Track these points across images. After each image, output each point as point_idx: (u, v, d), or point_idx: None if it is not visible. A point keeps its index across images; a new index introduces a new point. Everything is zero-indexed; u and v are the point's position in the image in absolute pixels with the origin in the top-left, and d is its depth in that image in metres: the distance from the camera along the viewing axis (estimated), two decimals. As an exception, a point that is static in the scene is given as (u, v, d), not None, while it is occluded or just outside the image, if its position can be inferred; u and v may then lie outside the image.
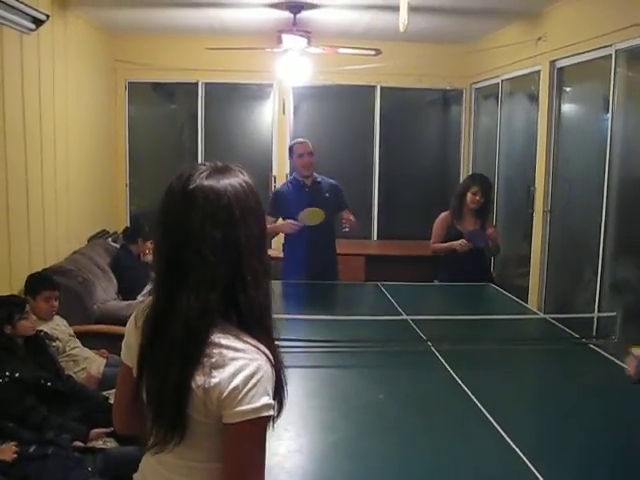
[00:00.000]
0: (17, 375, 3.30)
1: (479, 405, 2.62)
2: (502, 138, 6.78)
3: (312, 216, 4.81)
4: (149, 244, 5.88)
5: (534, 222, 5.83)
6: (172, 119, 7.90)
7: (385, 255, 6.85)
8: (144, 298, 5.20)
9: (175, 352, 1.34)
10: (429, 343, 3.44)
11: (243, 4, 5.53)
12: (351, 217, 5.03)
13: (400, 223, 7.79)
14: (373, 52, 5.75)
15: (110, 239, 6.57)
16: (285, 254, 5.24)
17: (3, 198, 4.36)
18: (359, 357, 3.29)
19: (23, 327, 3.48)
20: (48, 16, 4.69)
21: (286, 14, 5.59)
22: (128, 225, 7.30)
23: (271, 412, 1.34)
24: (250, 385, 1.31)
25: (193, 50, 7.11)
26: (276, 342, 1.44)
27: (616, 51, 4.62)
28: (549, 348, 3.62)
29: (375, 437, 2.42)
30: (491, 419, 2.49)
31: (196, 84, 7.37)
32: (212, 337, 1.34)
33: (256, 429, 1.32)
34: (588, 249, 5.04)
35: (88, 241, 6.13)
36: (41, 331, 3.75)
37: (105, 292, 5.16)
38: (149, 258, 5.84)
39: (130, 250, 5.94)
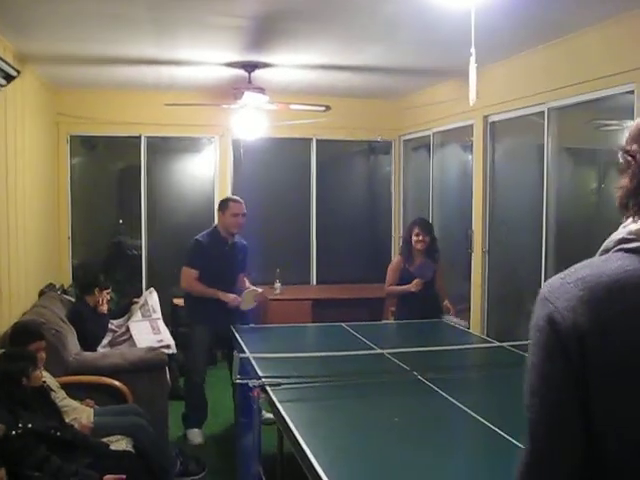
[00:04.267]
0: (30, 426, 3.36)
1: (483, 420, 2.89)
2: (435, 186, 7.30)
3: (249, 300, 5.23)
4: (105, 294, 5.92)
5: (473, 262, 6.33)
6: (114, 172, 7.98)
7: (331, 298, 7.14)
8: (107, 350, 5.28)
9: None
10: (415, 372, 3.76)
11: (200, 62, 5.81)
12: (252, 288, 5.34)
13: (337, 268, 8.14)
14: (323, 108, 6.14)
15: (59, 292, 6.54)
16: (190, 310, 5.43)
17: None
18: (356, 389, 3.51)
19: (36, 378, 3.54)
20: (19, 72, 4.81)
21: (241, 72, 5.92)
22: (72, 278, 7.29)
23: None
24: None
25: (135, 104, 7.31)
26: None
27: (548, 109, 5.21)
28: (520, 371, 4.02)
29: (404, 452, 2.66)
30: (502, 433, 2.74)
31: (138, 138, 7.52)
32: None
33: None
34: (528, 284, 5.55)
35: (39, 295, 6.11)
36: (44, 381, 3.80)
37: (73, 344, 5.19)
38: (105, 309, 5.89)
39: (87, 302, 5.95)
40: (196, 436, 5.21)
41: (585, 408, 1.08)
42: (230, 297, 5.15)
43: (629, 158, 1.16)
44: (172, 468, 4.13)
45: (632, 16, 4.25)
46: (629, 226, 1.16)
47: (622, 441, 1.07)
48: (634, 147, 1.15)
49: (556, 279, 1.16)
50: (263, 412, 3.78)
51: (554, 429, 1.10)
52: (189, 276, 5.20)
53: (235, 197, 5.51)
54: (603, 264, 1.13)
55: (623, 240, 1.14)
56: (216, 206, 7.71)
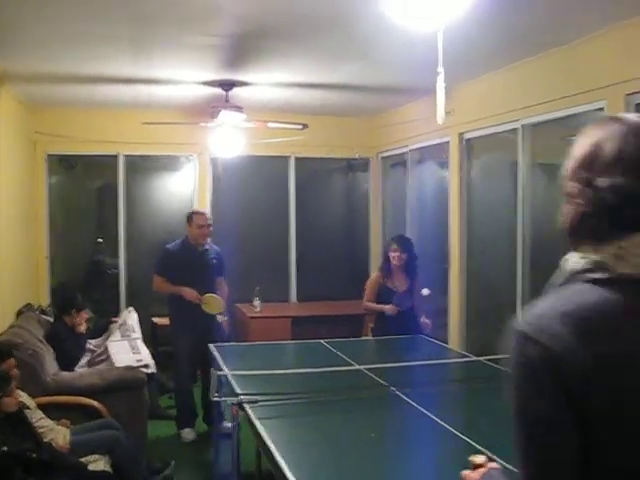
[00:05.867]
0: (5, 449, 3.33)
1: (460, 435, 2.92)
2: (412, 202, 7.35)
3: (213, 305, 5.53)
4: (83, 314, 5.89)
5: (451, 278, 6.37)
6: (92, 191, 7.96)
7: (311, 315, 7.14)
8: (85, 370, 5.28)
9: None
10: (392, 388, 3.78)
11: (177, 81, 5.84)
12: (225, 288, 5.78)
13: (316, 285, 8.15)
14: (300, 126, 6.18)
15: (37, 312, 6.49)
16: (172, 317, 5.75)
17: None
18: (334, 405, 3.51)
19: (7, 404, 3.51)
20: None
21: (218, 91, 5.95)
22: (50, 298, 7.23)
23: None
24: None
25: (113, 123, 7.31)
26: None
27: (522, 125, 5.29)
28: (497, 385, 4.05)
29: (381, 468, 2.67)
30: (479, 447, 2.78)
31: (116, 156, 7.51)
32: None
33: None
34: (505, 298, 5.60)
35: (17, 315, 6.07)
36: (21, 401, 3.77)
37: (51, 364, 5.15)
38: (83, 329, 5.86)
39: (65, 322, 5.91)
40: (188, 434, 5.55)
41: (585, 452, 1.06)
42: (189, 292, 5.44)
43: (580, 185, 1.16)
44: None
45: (602, 34, 4.35)
46: (590, 256, 1.14)
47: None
48: (586, 175, 1.15)
49: (533, 315, 1.13)
50: (224, 422, 3.80)
51: (557, 473, 1.08)
52: (158, 282, 5.64)
53: (199, 209, 6.07)
54: (578, 296, 1.11)
55: (589, 270, 1.12)
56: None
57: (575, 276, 1.14)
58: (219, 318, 5.68)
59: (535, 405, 1.08)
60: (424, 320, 5.36)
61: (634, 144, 1.13)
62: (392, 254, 5.41)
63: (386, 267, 5.49)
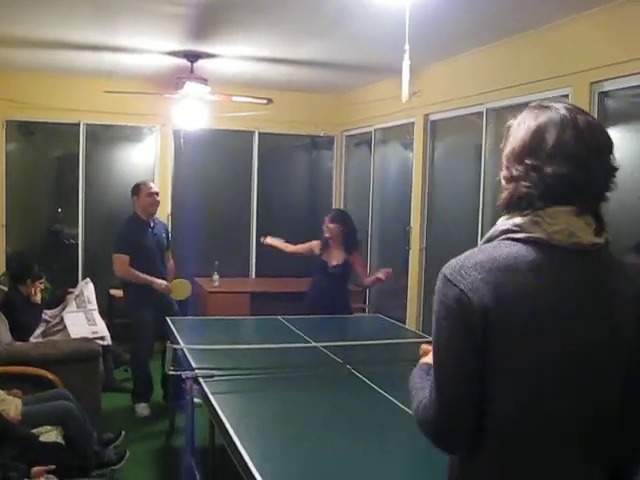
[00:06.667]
0: (-48, 418, 3.27)
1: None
2: (375, 182, 7.37)
3: (182, 290, 5.58)
4: (38, 284, 5.80)
5: (410, 258, 6.42)
6: (52, 159, 7.80)
7: (270, 292, 7.14)
8: (39, 340, 5.22)
9: None
10: (348, 366, 3.80)
11: (142, 50, 5.73)
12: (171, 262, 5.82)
13: (276, 262, 8.12)
14: (265, 101, 6.13)
15: (-9, 281, 6.37)
16: (131, 289, 5.58)
17: None
18: (289, 381, 3.53)
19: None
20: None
21: (183, 62, 5.87)
22: (5, 266, 7.09)
23: None
24: None
25: (75, 90, 7.16)
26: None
27: (487, 109, 5.32)
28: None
29: (335, 445, 2.72)
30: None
31: (78, 125, 7.37)
32: None
33: None
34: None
35: (-29, 284, 5.95)
36: (-29, 371, 3.71)
37: (4, 334, 5.07)
38: (38, 299, 5.77)
39: (20, 291, 5.82)
40: (143, 409, 5.48)
41: (483, 373, 1.35)
42: (162, 284, 5.41)
43: (525, 170, 1.37)
44: (92, 457, 4.07)
45: (569, 21, 4.39)
46: (514, 219, 1.38)
47: (511, 401, 1.34)
48: (531, 161, 1.36)
49: (455, 262, 1.38)
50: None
51: (460, 385, 1.36)
52: (121, 262, 5.42)
53: (144, 180, 5.90)
54: (494, 250, 1.37)
55: (509, 230, 1.37)
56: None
57: (498, 235, 1.39)
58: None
59: (447, 334, 1.36)
60: (377, 276, 5.38)
61: (570, 135, 1.34)
62: (324, 226, 5.43)
63: (324, 241, 5.51)
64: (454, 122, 6.01)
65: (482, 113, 5.35)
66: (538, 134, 1.37)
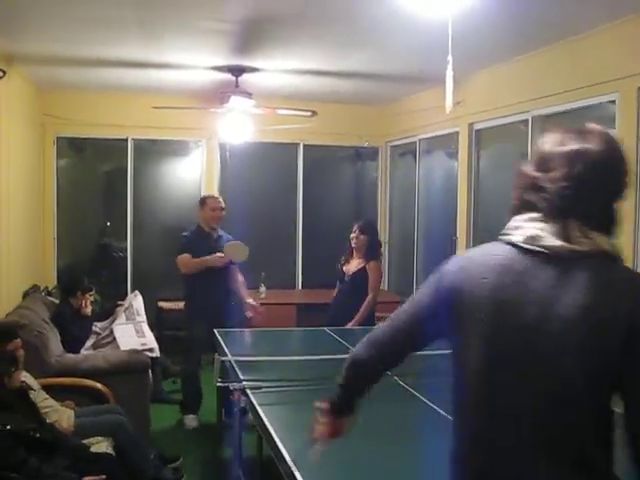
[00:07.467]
0: (8, 427, 3.34)
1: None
2: (420, 192, 7.33)
3: (238, 251, 5.38)
4: (88, 296, 5.92)
5: (457, 268, 6.34)
6: (101, 174, 7.98)
7: (316, 303, 7.13)
8: (89, 352, 5.28)
9: None
10: (395, 377, 3.77)
11: (187, 66, 5.82)
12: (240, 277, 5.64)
13: (322, 273, 8.12)
14: (309, 113, 6.16)
15: (43, 293, 6.52)
16: (188, 301, 5.59)
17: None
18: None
19: (17, 379, 3.53)
20: (5, 72, 4.81)
21: (228, 76, 5.94)
22: (56, 279, 7.27)
23: None
24: None
25: (123, 107, 7.31)
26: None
27: (532, 117, 5.25)
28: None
29: (383, 457, 2.70)
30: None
31: (126, 140, 7.52)
32: None
33: None
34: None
35: (23, 297, 6.09)
36: (23, 381, 3.79)
37: (56, 346, 5.18)
38: (88, 311, 5.89)
39: (71, 304, 5.93)
40: (191, 421, 5.47)
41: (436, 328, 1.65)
42: (213, 259, 5.32)
43: (535, 182, 1.49)
44: (149, 471, 4.11)
45: (617, 26, 4.31)
46: (508, 224, 1.55)
47: (467, 369, 1.54)
48: (540, 174, 1.49)
49: (457, 258, 1.65)
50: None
51: (414, 316, 1.70)
52: (184, 260, 5.39)
53: (213, 194, 5.96)
54: (485, 247, 1.59)
55: (502, 232, 1.55)
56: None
57: (498, 237, 1.57)
58: (248, 310, 5.57)
59: (419, 292, 1.71)
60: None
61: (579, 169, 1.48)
62: (351, 235, 5.42)
63: (347, 250, 5.50)
64: (499, 131, 5.95)
65: (527, 121, 5.29)
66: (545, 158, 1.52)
